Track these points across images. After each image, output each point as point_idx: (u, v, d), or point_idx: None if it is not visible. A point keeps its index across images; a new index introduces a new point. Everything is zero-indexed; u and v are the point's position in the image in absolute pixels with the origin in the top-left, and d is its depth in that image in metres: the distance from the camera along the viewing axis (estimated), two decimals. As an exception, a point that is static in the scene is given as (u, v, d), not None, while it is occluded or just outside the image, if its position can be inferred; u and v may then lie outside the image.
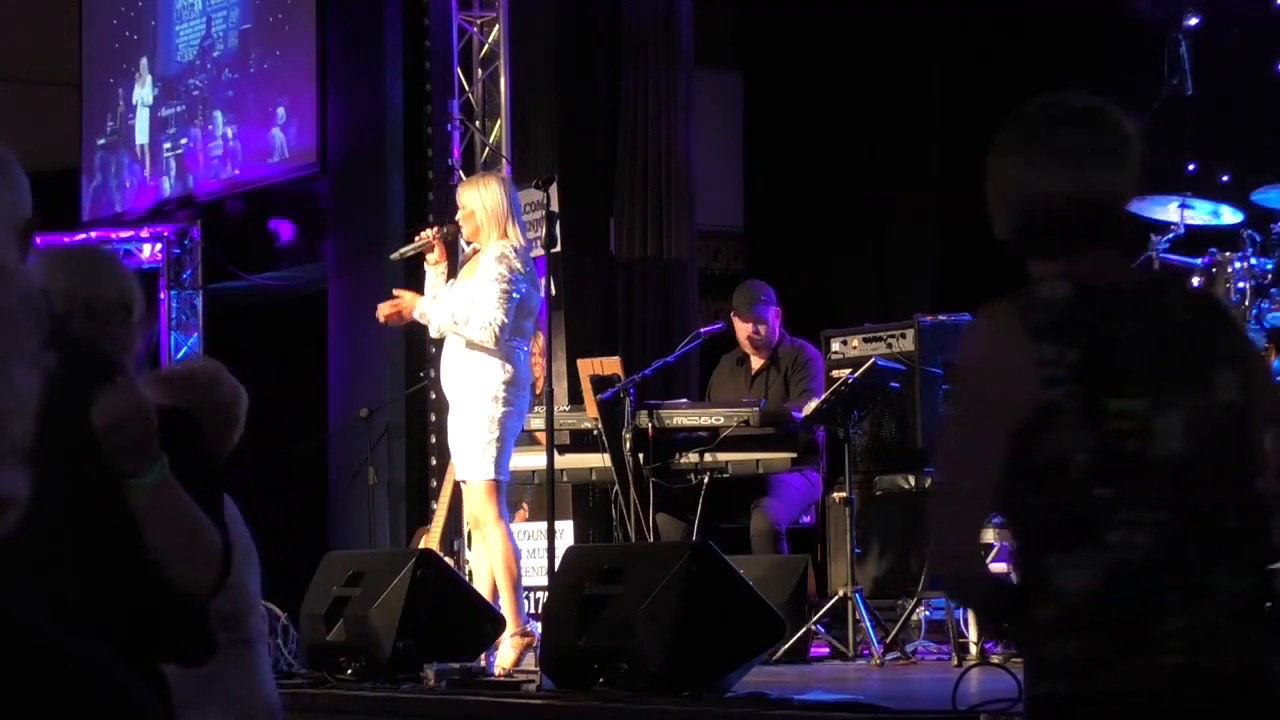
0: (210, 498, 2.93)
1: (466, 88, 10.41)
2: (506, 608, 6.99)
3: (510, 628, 6.88)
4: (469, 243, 7.69)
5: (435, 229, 7.41)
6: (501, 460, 7.01)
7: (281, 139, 11.32)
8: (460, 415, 7.09)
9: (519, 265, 6.99)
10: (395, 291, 7.30)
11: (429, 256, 7.26)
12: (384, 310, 7.25)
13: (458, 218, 7.34)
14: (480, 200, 7.14)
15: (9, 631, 1.20)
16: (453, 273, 7.48)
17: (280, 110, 11.34)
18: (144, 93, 12.41)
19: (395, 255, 7.83)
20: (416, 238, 7.41)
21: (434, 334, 7.36)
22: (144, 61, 12.42)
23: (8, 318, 1.22)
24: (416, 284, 7.44)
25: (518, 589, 7.02)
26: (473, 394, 7.01)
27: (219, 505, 2.97)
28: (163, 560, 2.81)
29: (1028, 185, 2.75)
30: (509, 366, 6.99)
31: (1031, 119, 2.78)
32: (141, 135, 12.41)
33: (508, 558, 6.97)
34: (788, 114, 11.32)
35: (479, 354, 6.99)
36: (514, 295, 6.96)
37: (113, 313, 3.10)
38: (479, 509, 7.06)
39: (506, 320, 6.93)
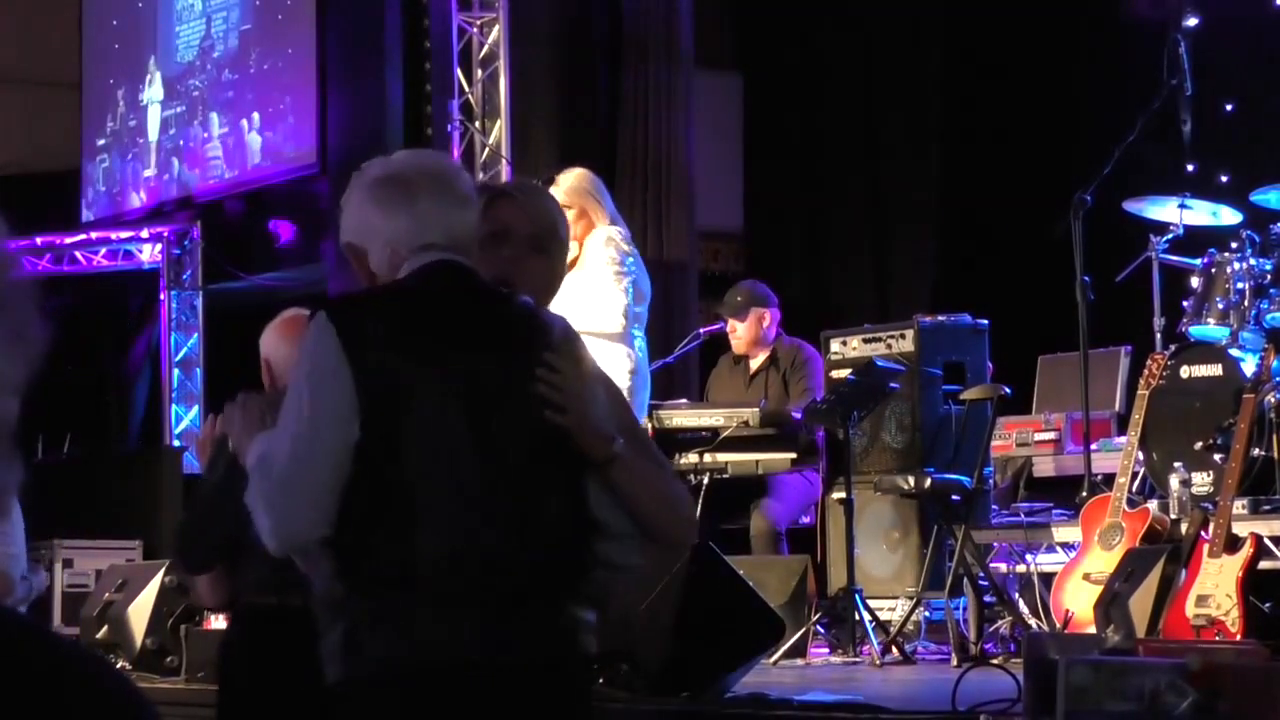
0: None
1: (466, 88, 10.41)
2: None
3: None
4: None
5: None
6: None
7: (258, 143, 11.36)
8: None
9: (625, 247, 6.81)
10: None
11: None
12: None
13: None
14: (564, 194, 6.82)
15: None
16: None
17: (255, 114, 11.36)
18: (153, 92, 12.42)
19: None
20: None
21: None
22: (152, 61, 12.43)
23: None
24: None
25: None
26: None
27: None
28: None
29: None
30: (633, 355, 6.78)
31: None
32: (152, 134, 12.42)
33: None
34: (788, 114, 11.33)
35: (602, 345, 6.44)
36: (628, 276, 6.74)
37: None
38: None
39: (628, 301, 6.73)
